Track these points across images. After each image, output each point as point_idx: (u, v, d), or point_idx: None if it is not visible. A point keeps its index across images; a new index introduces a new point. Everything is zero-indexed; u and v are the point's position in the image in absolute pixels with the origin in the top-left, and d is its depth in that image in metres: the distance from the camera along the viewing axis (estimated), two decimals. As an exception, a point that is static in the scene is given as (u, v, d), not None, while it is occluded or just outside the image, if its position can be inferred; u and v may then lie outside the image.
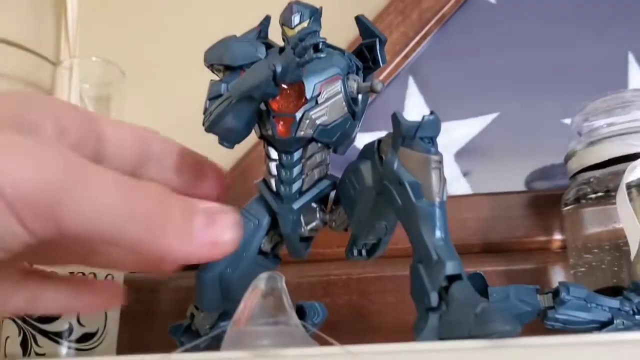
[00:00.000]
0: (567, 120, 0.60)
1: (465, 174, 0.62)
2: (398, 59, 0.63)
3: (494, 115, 0.63)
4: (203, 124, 0.32)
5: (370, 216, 0.33)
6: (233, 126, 0.32)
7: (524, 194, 0.59)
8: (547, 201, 0.57)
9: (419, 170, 0.29)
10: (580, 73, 0.63)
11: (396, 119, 0.30)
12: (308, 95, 0.31)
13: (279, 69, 0.29)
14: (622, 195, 0.44)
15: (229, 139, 0.33)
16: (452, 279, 0.27)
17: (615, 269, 0.47)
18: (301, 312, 0.39)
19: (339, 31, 0.66)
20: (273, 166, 0.33)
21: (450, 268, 0.27)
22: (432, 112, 0.30)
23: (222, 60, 0.33)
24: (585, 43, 0.64)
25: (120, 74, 0.69)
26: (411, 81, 0.64)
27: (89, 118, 0.32)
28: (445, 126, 0.62)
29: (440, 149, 0.59)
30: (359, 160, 0.33)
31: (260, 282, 0.31)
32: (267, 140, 0.33)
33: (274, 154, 0.33)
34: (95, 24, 0.71)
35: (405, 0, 0.63)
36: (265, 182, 0.34)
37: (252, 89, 0.30)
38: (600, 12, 0.65)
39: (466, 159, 0.62)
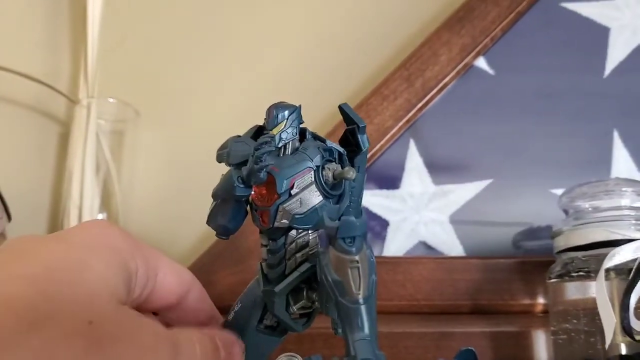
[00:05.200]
0: (554, 190, 0.65)
1: (458, 236, 0.67)
2: (401, 123, 0.67)
3: (488, 182, 0.68)
4: None
5: (331, 303, 0.34)
6: (222, 223, 0.36)
7: (512, 259, 0.64)
8: (532, 267, 0.62)
9: (339, 269, 0.31)
10: (569, 148, 0.68)
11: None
12: (279, 191, 0.34)
13: (244, 174, 0.34)
14: (600, 283, 0.49)
15: (222, 233, 0.37)
16: None
17: (592, 339, 0.52)
18: None
19: (347, 90, 0.71)
20: (264, 251, 0.37)
21: None
22: (361, 211, 0.33)
23: (227, 160, 0.36)
24: (576, 119, 0.69)
25: (135, 114, 0.72)
26: (412, 144, 0.69)
27: (152, 263, 0.35)
28: (442, 189, 0.67)
29: (436, 211, 0.63)
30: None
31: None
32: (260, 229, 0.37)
33: (264, 241, 0.37)
34: (112, 64, 0.74)
35: (410, 68, 0.68)
36: (262, 264, 0.38)
37: (225, 193, 0.35)
38: (590, 90, 0.69)
39: (460, 221, 0.67)
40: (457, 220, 0.67)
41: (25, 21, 0.77)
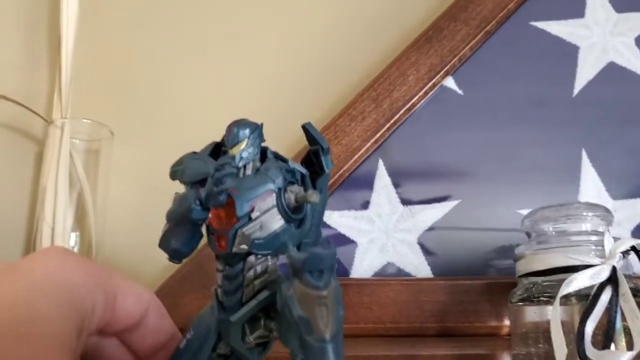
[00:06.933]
0: (522, 211, 0.65)
1: (426, 257, 0.66)
2: (369, 143, 0.67)
3: (456, 202, 0.68)
4: None
5: (292, 334, 0.32)
6: (175, 247, 0.34)
7: (479, 281, 0.64)
8: (499, 288, 0.62)
9: (305, 304, 0.29)
10: (536, 168, 0.68)
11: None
12: (238, 214, 0.32)
13: (202, 197, 0.32)
14: (555, 311, 0.49)
15: (175, 257, 0.35)
16: None
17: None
18: None
19: (315, 111, 0.71)
20: (219, 277, 0.35)
21: None
22: (328, 241, 0.30)
23: (181, 177, 0.35)
24: (544, 138, 0.69)
25: (109, 134, 0.73)
26: (381, 164, 0.68)
27: (110, 291, 0.34)
28: (410, 210, 0.67)
29: (404, 232, 0.62)
30: (285, 273, 0.33)
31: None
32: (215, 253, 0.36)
33: (220, 266, 0.35)
34: (88, 84, 0.74)
35: (377, 89, 0.68)
36: (217, 291, 0.36)
37: (181, 216, 0.33)
38: (559, 110, 0.69)
39: (428, 242, 0.67)
40: (425, 241, 0.67)
41: (1, 42, 0.77)
